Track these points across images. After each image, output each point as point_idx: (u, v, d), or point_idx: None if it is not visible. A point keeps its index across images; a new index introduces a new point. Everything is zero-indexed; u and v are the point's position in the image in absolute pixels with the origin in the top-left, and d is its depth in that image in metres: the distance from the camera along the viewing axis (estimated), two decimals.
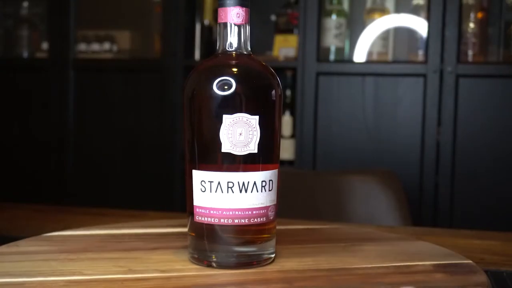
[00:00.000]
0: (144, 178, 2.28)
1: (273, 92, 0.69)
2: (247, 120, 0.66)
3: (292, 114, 2.17)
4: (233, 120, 0.66)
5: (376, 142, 2.05)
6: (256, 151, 0.67)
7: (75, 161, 2.35)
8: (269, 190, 0.68)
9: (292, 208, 1.52)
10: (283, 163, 2.15)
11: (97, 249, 0.77)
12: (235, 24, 0.69)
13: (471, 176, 1.98)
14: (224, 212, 0.67)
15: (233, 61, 0.70)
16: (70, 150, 2.35)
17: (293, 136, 2.16)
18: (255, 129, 0.67)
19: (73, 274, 0.67)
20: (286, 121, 2.17)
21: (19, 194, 2.37)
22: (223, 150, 0.66)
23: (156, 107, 2.26)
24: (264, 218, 0.68)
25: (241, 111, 0.66)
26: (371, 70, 2.08)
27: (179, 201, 2.20)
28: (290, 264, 0.69)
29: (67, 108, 2.35)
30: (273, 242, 0.71)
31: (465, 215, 1.98)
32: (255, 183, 0.67)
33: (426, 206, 2.01)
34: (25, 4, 2.48)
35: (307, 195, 1.59)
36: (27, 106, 2.41)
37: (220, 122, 0.66)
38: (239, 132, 0.66)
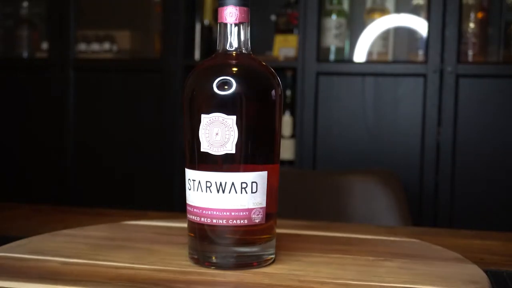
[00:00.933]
0: (144, 178, 2.28)
1: (273, 92, 0.69)
2: (223, 120, 0.66)
3: (292, 114, 2.17)
4: (210, 120, 0.66)
5: (376, 142, 2.05)
6: (233, 151, 0.66)
7: (75, 161, 2.35)
8: (252, 192, 0.66)
9: (292, 208, 1.52)
10: (283, 163, 2.15)
11: (142, 239, 0.81)
12: (229, 24, 0.69)
13: (471, 176, 1.98)
14: (204, 212, 0.67)
15: (233, 61, 0.69)
16: (70, 150, 2.35)
17: (293, 136, 2.16)
18: (231, 129, 0.66)
19: (78, 257, 0.71)
20: (286, 121, 2.17)
21: (19, 194, 2.37)
22: (202, 149, 0.67)
23: (156, 107, 2.26)
24: (246, 221, 0.67)
25: (240, 111, 0.66)
26: (371, 70, 2.08)
27: (179, 201, 2.20)
28: (279, 270, 0.67)
29: (67, 108, 2.35)
30: (272, 243, 0.70)
31: (465, 215, 1.98)
32: (233, 184, 0.66)
33: (426, 206, 2.01)
34: (25, 4, 2.48)
35: (307, 195, 1.59)
36: (27, 106, 2.41)
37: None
38: (215, 132, 0.66)
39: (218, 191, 0.66)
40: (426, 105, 2.00)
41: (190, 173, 0.69)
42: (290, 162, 2.15)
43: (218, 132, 0.66)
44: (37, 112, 2.39)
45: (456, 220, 1.98)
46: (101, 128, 2.34)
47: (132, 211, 1.35)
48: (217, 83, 0.66)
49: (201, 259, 0.68)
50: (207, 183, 0.67)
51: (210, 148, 0.66)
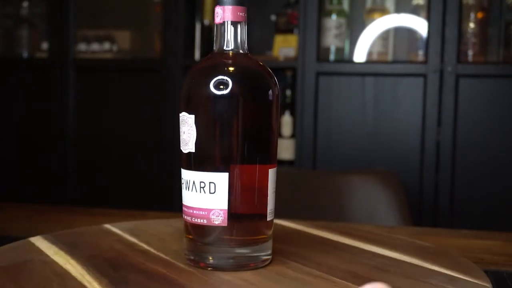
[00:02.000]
0: (144, 178, 2.28)
1: (270, 91, 0.68)
2: (187, 118, 0.67)
3: (292, 114, 2.17)
4: (181, 119, 0.68)
5: (376, 142, 2.05)
6: (193, 150, 0.66)
7: (75, 161, 2.35)
8: (210, 193, 0.66)
9: (292, 208, 1.52)
10: (283, 163, 2.16)
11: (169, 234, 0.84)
12: (216, 24, 0.69)
13: (471, 176, 1.98)
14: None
15: (230, 61, 0.69)
16: (70, 150, 2.35)
17: (293, 136, 2.16)
18: (192, 128, 0.66)
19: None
20: (286, 121, 2.17)
21: (19, 194, 2.37)
22: (180, 147, 0.69)
23: (156, 107, 2.26)
24: (205, 221, 0.66)
25: (237, 111, 0.66)
26: (371, 70, 2.08)
27: (179, 201, 2.19)
28: (275, 271, 0.67)
29: (67, 108, 2.35)
30: (269, 244, 0.69)
31: (465, 215, 1.98)
32: (194, 182, 0.67)
33: (426, 206, 2.01)
34: (25, 4, 2.48)
35: (307, 195, 1.59)
36: (27, 106, 2.41)
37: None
38: (183, 131, 0.68)
39: (185, 188, 0.68)
40: (426, 105, 2.00)
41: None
42: (290, 162, 2.15)
43: (185, 131, 0.67)
44: (37, 112, 2.39)
45: (456, 220, 1.98)
46: (101, 128, 2.34)
47: (132, 211, 1.35)
48: (214, 83, 0.66)
49: (197, 260, 0.68)
50: (182, 180, 0.69)
51: (182, 146, 0.68)
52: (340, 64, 2.13)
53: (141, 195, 2.28)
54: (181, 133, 0.68)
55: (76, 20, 2.36)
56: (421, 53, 2.11)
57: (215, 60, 0.69)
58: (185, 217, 0.69)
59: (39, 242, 0.77)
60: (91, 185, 2.34)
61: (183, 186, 0.68)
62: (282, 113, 2.19)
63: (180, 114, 0.68)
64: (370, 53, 2.15)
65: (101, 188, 2.33)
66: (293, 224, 0.93)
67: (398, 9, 2.17)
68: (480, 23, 2.03)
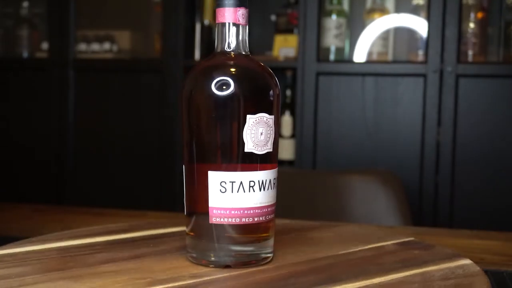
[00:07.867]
0: (144, 178, 2.28)
1: (271, 92, 0.69)
2: (266, 120, 0.69)
3: (292, 114, 2.17)
4: (258, 120, 0.68)
5: (376, 142, 2.05)
6: (271, 150, 0.70)
7: (75, 161, 2.35)
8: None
9: (292, 208, 1.52)
10: (283, 163, 2.15)
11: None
12: (221, 23, 0.69)
13: (471, 176, 1.98)
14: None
15: (231, 61, 0.70)
16: (70, 150, 2.35)
17: (293, 136, 2.16)
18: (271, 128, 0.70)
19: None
20: (286, 121, 2.17)
21: (19, 194, 2.37)
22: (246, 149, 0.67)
23: (156, 107, 2.26)
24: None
25: (238, 111, 0.66)
26: (371, 70, 2.08)
27: (179, 201, 2.19)
28: (275, 270, 0.68)
29: (67, 108, 2.35)
30: (270, 242, 0.70)
31: (465, 215, 1.98)
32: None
33: (426, 206, 2.01)
34: (25, 4, 2.48)
35: (307, 195, 1.59)
36: (27, 106, 2.41)
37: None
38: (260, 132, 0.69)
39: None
40: (426, 105, 2.00)
41: (224, 175, 0.69)
42: (290, 162, 2.15)
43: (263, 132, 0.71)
44: (37, 112, 2.39)
45: (456, 220, 1.98)
46: (101, 128, 2.34)
47: (132, 211, 1.35)
48: (215, 83, 0.66)
49: (199, 257, 0.68)
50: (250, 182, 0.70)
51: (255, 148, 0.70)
52: (340, 64, 2.13)
53: (141, 195, 2.28)
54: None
55: (76, 20, 2.36)
56: (421, 53, 2.11)
57: (217, 61, 0.70)
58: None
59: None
60: (91, 185, 2.34)
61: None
62: (282, 113, 2.19)
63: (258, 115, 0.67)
64: (370, 53, 2.15)
65: (101, 188, 2.32)
66: (294, 223, 0.93)
67: (398, 9, 2.17)
68: (480, 23, 2.03)
